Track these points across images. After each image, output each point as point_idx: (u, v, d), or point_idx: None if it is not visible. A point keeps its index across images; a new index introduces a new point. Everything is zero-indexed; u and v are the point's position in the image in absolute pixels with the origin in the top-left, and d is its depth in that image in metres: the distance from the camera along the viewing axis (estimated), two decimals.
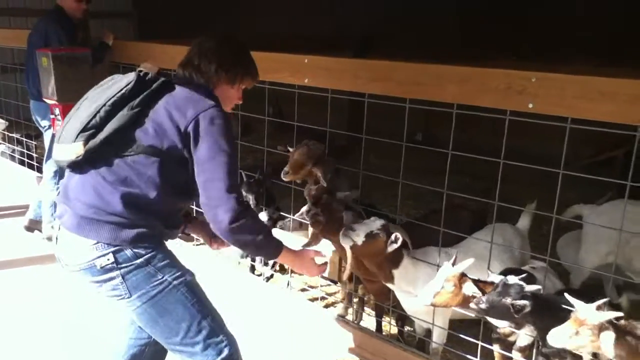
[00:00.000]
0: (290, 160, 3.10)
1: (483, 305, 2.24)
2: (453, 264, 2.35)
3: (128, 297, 1.98)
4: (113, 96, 1.99)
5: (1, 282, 3.90)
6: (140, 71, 2.07)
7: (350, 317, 3.45)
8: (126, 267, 1.95)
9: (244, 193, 3.73)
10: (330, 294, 3.78)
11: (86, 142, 1.95)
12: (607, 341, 2.05)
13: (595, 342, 2.06)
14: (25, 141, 5.81)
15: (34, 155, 5.75)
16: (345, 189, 3.23)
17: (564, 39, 6.55)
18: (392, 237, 2.61)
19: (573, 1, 6.79)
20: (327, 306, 3.68)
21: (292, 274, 3.69)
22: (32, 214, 4.67)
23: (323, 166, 3.04)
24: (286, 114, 7.18)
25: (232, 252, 3.89)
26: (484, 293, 2.30)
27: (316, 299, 3.67)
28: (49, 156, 4.45)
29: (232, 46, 2.25)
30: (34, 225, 4.65)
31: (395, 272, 2.70)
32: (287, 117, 5.34)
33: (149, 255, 1.97)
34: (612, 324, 2.07)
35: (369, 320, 3.44)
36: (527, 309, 2.20)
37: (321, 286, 3.65)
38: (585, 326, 2.05)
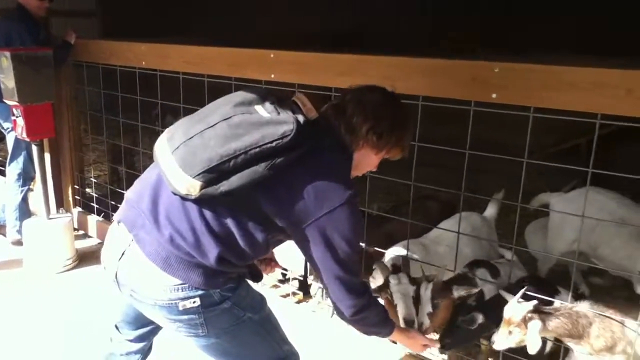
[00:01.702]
0: None
1: (448, 342, 2.25)
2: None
3: (204, 335, 1.86)
4: (259, 146, 1.67)
5: None
6: (299, 116, 1.75)
7: (324, 311, 3.45)
8: (211, 309, 1.81)
9: None
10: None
11: (206, 184, 1.70)
12: (533, 331, 2.02)
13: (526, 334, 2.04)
14: None
15: None
16: None
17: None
18: None
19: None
20: (299, 302, 3.67)
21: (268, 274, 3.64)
22: None
23: None
24: None
25: None
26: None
27: (288, 295, 3.66)
28: (12, 158, 4.35)
29: (395, 108, 1.91)
30: None
31: None
32: None
33: (233, 294, 1.86)
34: (538, 312, 2.05)
35: None
36: (480, 320, 2.20)
37: (292, 281, 3.64)
38: (512, 324, 2.04)
